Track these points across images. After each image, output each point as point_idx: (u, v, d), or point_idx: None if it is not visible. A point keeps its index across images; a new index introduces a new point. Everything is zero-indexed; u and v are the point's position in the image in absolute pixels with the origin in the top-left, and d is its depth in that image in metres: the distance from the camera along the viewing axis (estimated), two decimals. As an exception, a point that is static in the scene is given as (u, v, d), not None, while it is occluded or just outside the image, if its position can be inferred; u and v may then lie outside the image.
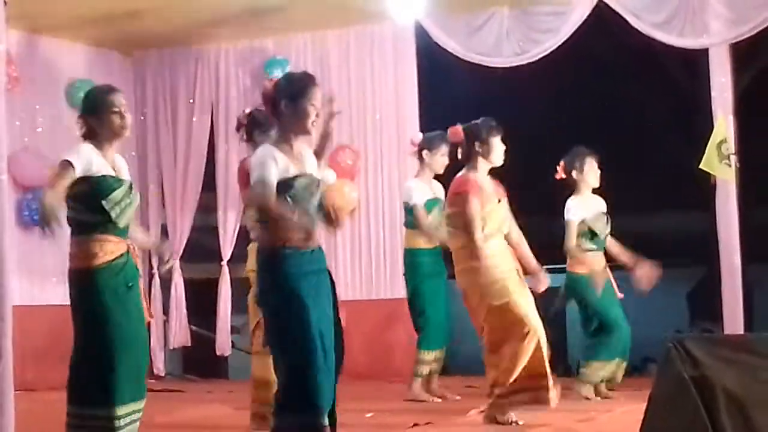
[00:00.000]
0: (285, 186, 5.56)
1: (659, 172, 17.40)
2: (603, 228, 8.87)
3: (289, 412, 5.55)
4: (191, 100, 12.13)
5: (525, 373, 7.07)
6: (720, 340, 4.60)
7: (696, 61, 12.09)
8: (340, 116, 11.46)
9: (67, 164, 5.86)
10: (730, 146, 9.29)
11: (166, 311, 12.17)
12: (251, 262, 7.44)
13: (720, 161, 9.13)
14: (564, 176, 8.87)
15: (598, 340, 8.93)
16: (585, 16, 10.12)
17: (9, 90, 10.65)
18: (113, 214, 5.92)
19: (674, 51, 10.83)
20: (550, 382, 7.14)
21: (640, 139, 17.42)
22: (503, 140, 7.28)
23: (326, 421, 5.62)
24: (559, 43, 10.28)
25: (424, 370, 8.92)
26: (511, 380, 7.07)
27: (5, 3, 5.87)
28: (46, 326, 10.66)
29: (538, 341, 7.07)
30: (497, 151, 7.24)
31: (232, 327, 12.00)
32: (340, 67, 11.63)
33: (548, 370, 7.14)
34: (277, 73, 11.52)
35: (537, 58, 10.43)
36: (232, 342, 11.93)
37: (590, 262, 8.84)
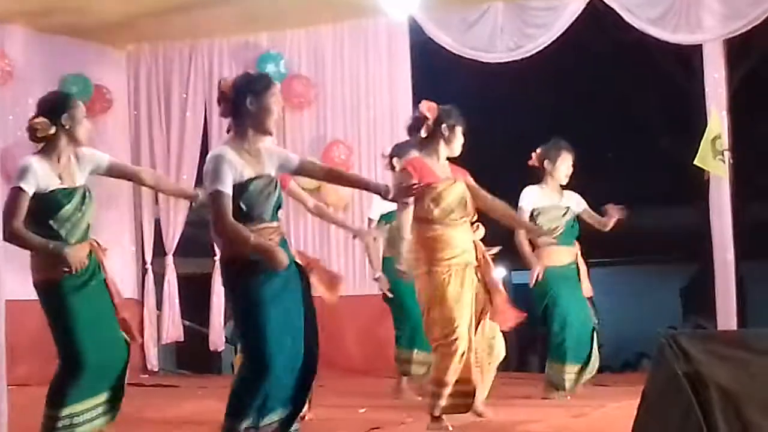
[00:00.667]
0: (240, 189, 5.52)
1: (652, 167, 17.44)
2: (552, 221, 8.56)
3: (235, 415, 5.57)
4: (184, 95, 12.11)
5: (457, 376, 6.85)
6: (713, 336, 4.60)
7: (690, 56, 12.13)
8: (333, 111, 11.63)
9: (18, 191, 5.92)
10: (724, 142, 9.30)
11: (159, 306, 12.17)
12: None
13: (714, 157, 9.14)
14: (536, 164, 8.75)
15: (554, 341, 8.67)
16: (579, 12, 10.12)
17: (1, 85, 10.68)
18: (63, 233, 6.00)
19: (668, 47, 10.84)
20: (477, 388, 6.94)
21: (634, 134, 17.46)
22: (463, 134, 7.13)
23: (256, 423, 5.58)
24: (553, 39, 10.28)
25: (419, 370, 8.89)
26: (445, 381, 6.83)
27: (-2, -2, 5.86)
28: (39, 321, 10.59)
29: (467, 346, 6.84)
30: (459, 141, 7.08)
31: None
32: (333, 62, 11.63)
33: (473, 377, 6.90)
34: (271, 68, 11.53)
35: (531, 53, 10.43)
36: (225, 337, 11.94)
37: (546, 257, 8.68)
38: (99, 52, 12.05)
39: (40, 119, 6.05)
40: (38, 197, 5.93)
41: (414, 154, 7.49)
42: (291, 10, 11.06)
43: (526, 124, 15.58)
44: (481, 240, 7.16)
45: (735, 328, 9.29)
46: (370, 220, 9.08)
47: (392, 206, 8.45)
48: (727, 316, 9.48)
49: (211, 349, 11.88)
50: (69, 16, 10.97)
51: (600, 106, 17.14)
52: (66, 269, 5.93)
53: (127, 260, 12.10)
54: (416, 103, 11.01)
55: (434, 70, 12.30)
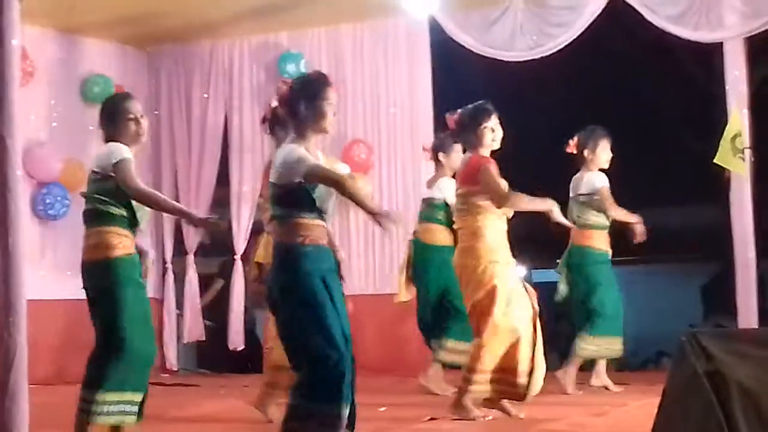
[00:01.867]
0: (313, 185, 5.65)
1: (673, 166, 17.40)
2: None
3: (316, 403, 5.61)
4: (205, 95, 12.14)
5: (497, 366, 7.13)
6: (734, 335, 4.59)
7: (710, 54, 12.08)
8: (354, 110, 11.65)
9: (130, 160, 6.31)
10: (745, 140, 9.27)
11: (179, 306, 12.20)
12: (260, 254, 7.59)
13: (734, 155, 9.12)
14: (575, 152, 8.96)
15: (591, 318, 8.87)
16: (599, 10, 10.09)
17: (23, 85, 10.73)
18: (139, 216, 6.30)
19: (689, 45, 10.81)
20: (522, 379, 7.14)
21: (654, 133, 17.42)
22: (500, 123, 7.33)
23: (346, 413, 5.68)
24: (574, 37, 10.26)
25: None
26: (480, 371, 7.10)
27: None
28: (61, 320, 10.69)
29: (517, 338, 7.10)
30: (486, 138, 7.28)
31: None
32: (354, 62, 11.63)
33: (521, 366, 7.14)
34: (291, 68, 11.55)
35: (551, 52, 10.41)
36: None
37: (596, 238, 8.92)
38: (120, 52, 12.10)
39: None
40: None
41: (458, 148, 7.97)
42: (311, 9, 11.07)
43: (545, 124, 15.56)
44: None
45: (756, 326, 9.27)
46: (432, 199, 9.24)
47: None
48: (748, 315, 9.46)
49: (231, 348, 11.89)
50: (90, 16, 11.02)
51: (620, 105, 17.10)
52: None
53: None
54: (436, 102, 11.13)
55: (454, 69, 12.29)
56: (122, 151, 6.30)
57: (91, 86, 11.53)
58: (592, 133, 8.95)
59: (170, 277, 12.16)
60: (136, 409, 6.30)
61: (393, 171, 11.41)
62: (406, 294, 9.52)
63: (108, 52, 11.95)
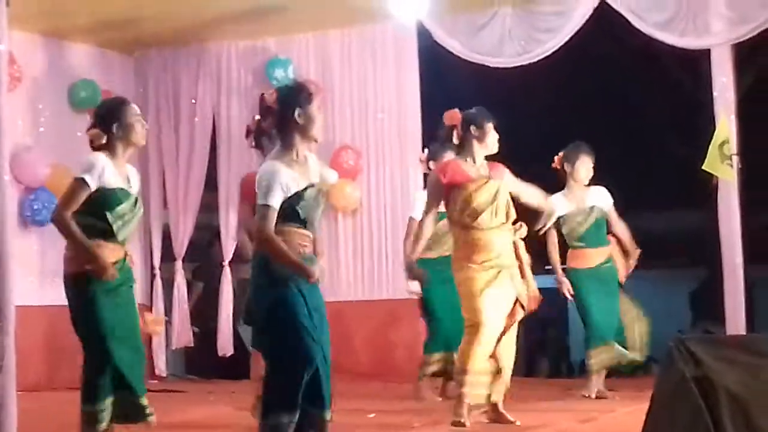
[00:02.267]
0: (296, 199, 5.64)
1: (661, 172, 17.44)
2: (579, 226, 9.00)
3: (284, 411, 5.58)
4: (193, 100, 12.12)
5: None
6: (722, 341, 4.59)
7: (698, 61, 12.11)
8: (342, 116, 11.64)
9: (82, 183, 6.09)
10: (732, 147, 9.29)
11: (168, 312, 12.18)
12: None
13: (722, 162, 9.13)
14: (558, 167, 9.08)
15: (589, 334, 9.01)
16: (587, 16, 10.11)
17: (10, 90, 10.70)
18: (115, 227, 6.19)
19: (676, 51, 10.83)
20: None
21: (642, 139, 17.46)
22: (496, 130, 7.37)
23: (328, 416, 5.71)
24: (561, 43, 10.27)
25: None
26: (466, 369, 7.09)
27: (8, 4, 5.87)
28: (48, 326, 10.66)
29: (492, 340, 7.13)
30: (492, 137, 7.34)
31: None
32: (341, 67, 11.63)
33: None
34: (279, 73, 11.54)
35: (539, 58, 10.43)
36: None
37: (574, 259, 9.06)
38: (108, 57, 12.08)
39: (94, 130, 6.27)
40: (102, 191, 6.13)
41: (450, 156, 7.77)
42: (299, 15, 11.06)
43: (533, 129, 15.59)
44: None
45: (744, 332, 9.28)
46: (411, 219, 9.03)
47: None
48: (736, 321, 9.47)
49: (220, 354, 11.88)
50: (77, 21, 11.00)
51: (608, 111, 17.13)
52: (91, 269, 6.01)
53: (135, 265, 12.09)
54: (424, 107, 11.13)
55: (442, 74, 12.30)
56: (99, 160, 6.18)
57: (78, 91, 11.50)
58: (574, 149, 9.05)
59: (158, 283, 12.13)
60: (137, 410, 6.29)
61: (381, 176, 11.41)
62: None
63: (95, 57, 11.92)
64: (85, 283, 6.12)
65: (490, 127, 7.32)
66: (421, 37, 11.10)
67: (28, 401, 6.34)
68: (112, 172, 6.19)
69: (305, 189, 5.67)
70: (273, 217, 5.58)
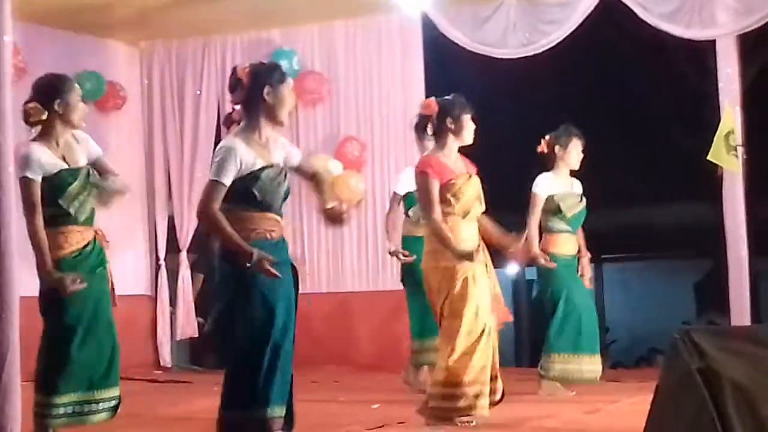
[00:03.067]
0: (252, 178, 5.55)
1: (666, 163, 17.41)
2: (572, 207, 8.68)
3: (236, 407, 5.55)
4: (198, 92, 12.13)
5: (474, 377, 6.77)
6: (727, 332, 4.58)
7: (703, 52, 12.07)
8: (346, 107, 11.64)
9: (27, 181, 6.06)
10: (737, 138, 9.28)
11: (172, 303, 12.19)
12: None
13: (727, 153, 9.13)
14: (545, 151, 8.72)
15: (560, 330, 8.58)
16: (592, 8, 10.10)
17: (15, 81, 10.69)
18: (72, 210, 6.13)
19: (681, 42, 10.81)
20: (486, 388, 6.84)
21: (647, 130, 17.42)
22: (473, 119, 7.08)
23: (275, 414, 5.57)
24: (566, 35, 10.26)
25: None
26: (459, 381, 6.73)
27: (12, -6, 5.86)
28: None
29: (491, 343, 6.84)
30: (468, 129, 7.04)
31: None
32: (347, 58, 11.64)
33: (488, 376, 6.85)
34: (284, 64, 11.52)
35: (544, 49, 10.42)
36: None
37: (561, 244, 8.69)
38: (112, 48, 12.08)
39: (33, 104, 6.19)
40: (46, 180, 6.06)
41: (429, 146, 7.44)
42: (304, 6, 11.07)
43: (538, 120, 15.55)
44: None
45: (748, 323, 9.28)
46: (395, 194, 9.00)
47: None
48: (740, 312, 9.47)
49: (225, 345, 11.87)
50: (82, 12, 10.99)
51: (613, 102, 17.11)
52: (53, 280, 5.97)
53: (140, 256, 12.13)
54: (429, 98, 11.10)
55: (447, 65, 12.29)
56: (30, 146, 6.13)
57: (82, 83, 11.46)
58: (564, 132, 8.73)
59: (163, 273, 12.15)
60: (100, 406, 6.26)
61: (386, 168, 11.41)
62: None
63: (100, 48, 11.93)
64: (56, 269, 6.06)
65: (467, 119, 7.01)
66: (426, 29, 11.10)
67: (31, 392, 6.34)
68: (48, 158, 6.10)
69: (261, 169, 5.56)
70: (220, 194, 5.47)
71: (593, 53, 15.42)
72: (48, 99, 6.18)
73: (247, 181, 5.53)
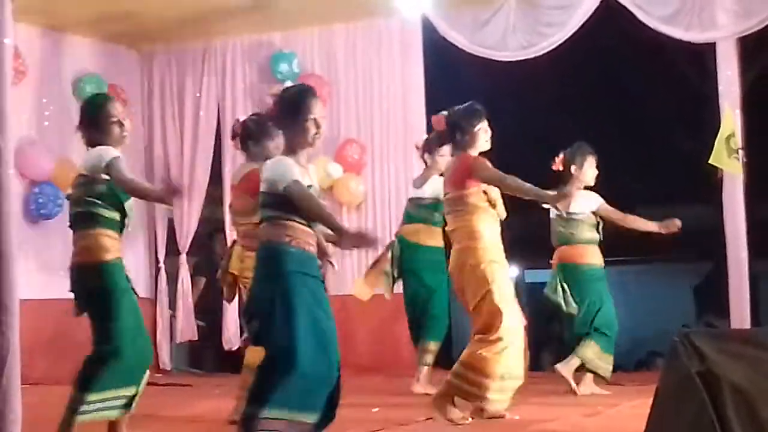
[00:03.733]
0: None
1: (666, 166, 17.43)
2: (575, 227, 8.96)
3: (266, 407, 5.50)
4: (198, 95, 12.13)
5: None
6: (726, 335, 4.59)
7: (703, 54, 12.08)
8: (346, 110, 11.64)
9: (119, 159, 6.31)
10: (738, 140, 9.28)
11: (172, 306, 12.19)
12: (234, 265, 7.51)
13: (729, 156, 9.12)
14: (561, 169, 8.90)
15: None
16: (592, 10, 10.10)
17: (15, 83, 10.71)
18: (127, 220, 6.37)
19: (681, 45, 10.81)
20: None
21: (647, 132, 17.43)
22: (489, 124, 7.25)
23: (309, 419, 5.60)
24: (566, 37, 10.26)
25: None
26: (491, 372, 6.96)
27: (12, -3, 5.87)
28: (53, 320, 10.66)
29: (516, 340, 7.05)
30: (480, 140, 7.20)
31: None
32: (346, 61, 11.64)
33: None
34: (284, 67, 11.55)
35: (544, 51, 10.42)
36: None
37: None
38: (113, 51, 12.09)
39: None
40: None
41: (444, 150, 7.94)
42: (304, 9, 11.07)
43: (538, 123, 15.57)
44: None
45: (748, 326, 9.28)
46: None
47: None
48: (740, 315, 9.47)
49: (226, 348, 11.88)
50: (83, 15, 11.00)
51: (613, 105, 17.12)
52: None
53: (139, 259, 12.12)
54: (429, 101, 11.12)
55: (447, 68, 12.29)
56: (111, 151, 6.31)
57: (83, 85, 11.51)
58: (578, 150, 8.90)
59: (163, 276, 12.14)
60: (121, 402, 6.33)
61: (386, 170, 11.41)
62: (369, 292, 9.53)
63: (100, 50, 11.93)
64: (105, 271, 6.27)
65: (478, 128, 7.18)
66: (425, 31, 11.10)
67: (32, 395, 6.34)
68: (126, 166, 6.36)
69: (309, 186, 5.65)
70: (310, 192, 5.59)
71: (593, 56, 15.43)
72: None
73: None
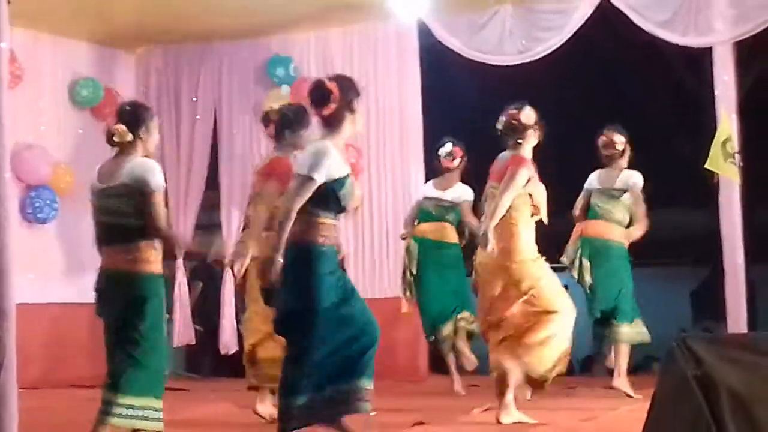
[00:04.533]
0: (341, 182, 5.79)
1: (662, 170, 17.42)
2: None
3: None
4: (194, 98, 12.12)
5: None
6: (724, 339, 4.59)
7: (699, 59, 12.10)
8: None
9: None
10: (735, 145, 9.28)
11: (169, 310, 12.16)
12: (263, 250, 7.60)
13: (725, 160, 9.11)
14: (620, 148, 9.62)
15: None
16: (588, 14, 10.10)
17: (11, 87, 10.70)
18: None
19: (678, 49, 10.82)
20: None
21: (643, 137, 17.41)
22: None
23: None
24: (563, 41, 10.27)
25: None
26: (547, 370, 7.19)
27: (9, 1, 5.88)
28: (49, 324, 10.67)
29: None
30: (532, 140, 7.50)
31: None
32: (343, 65, 11.61)
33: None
34: (281, 71, 11.55)
35: (540, 56, 10.42)
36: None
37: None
38: (109, 55, 12.08)
39: (121, 126, 6.39)
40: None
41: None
42: (300, 13, 11.07)
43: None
44: None
45: (745, 331, 9.28)
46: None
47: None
48: (737, 320, 9.46)
49: (222, 352, 11.87)
50: (79, 19, 11.00)
51: (609, 109, 17.11)
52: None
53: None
54: (425, 105, 11.13)
55: (443, 73, 12.29)
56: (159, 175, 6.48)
57: (79, 89, 11.51)
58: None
59: (160, 281, 12.13)
60: (159, 415, 6.35)
61: (382, 174, 11.40)
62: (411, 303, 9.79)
63: (97, 54, 11.92)
64: (153, 281, 6.43)
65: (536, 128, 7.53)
66: (422, 36, 11.10)
67: (29, 399, 6.34)
68: None
69: (346, 176, 5.81)
70: (308, 192, 5.70)
71: (589, 60, 15.44)
72: (133, 125, 6.50)
73: (335, 185, 5.77)
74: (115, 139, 6.33)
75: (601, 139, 9.38)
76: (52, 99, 11.42)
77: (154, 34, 11.74)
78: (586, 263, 9.04)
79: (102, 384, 6.23)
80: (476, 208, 9.05)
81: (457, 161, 9.62)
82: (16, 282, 5.36)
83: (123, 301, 6.21)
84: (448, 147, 9.70)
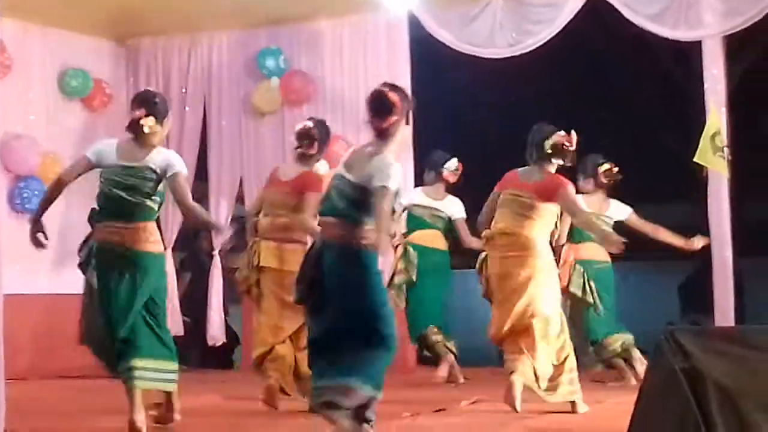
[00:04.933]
0: (397, 194, 6.07)
1: (651, 163, 17.45)
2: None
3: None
4: (184, 90, 12.09)
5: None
6: (711, 333, 4.60)
7: (689, 53, 12.11)
8: (333, 107, 11.62)
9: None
10: (724, 138, 9.29)
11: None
12: (269, 259, 7.63)
13: (714, 154, 9.13)
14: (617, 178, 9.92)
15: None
16: (578, 8, 10.10)
17: (0, 78, 10.69)
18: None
19: (667, 43, 10.83)
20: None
21: (633, 130, 17.45)
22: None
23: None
24: (553, 35, 10.27)
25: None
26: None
27: (-2, -9, 5.87)
28: (38, 315, 10.65)
29: None
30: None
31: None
32: (333, 58, 11.60)
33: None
34: (271, 63, 11.52)
35: (530, 49, 10.42)
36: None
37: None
38: (98, 46, 12.04)
39: (150, 119, 6.76)
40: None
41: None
42: (290, 5, 11.05)
43: (524, 120, 15.56)
44: None
45: (732, 324, 9.29)
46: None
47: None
48: (725, 313, 9.48)
49: (210, 344, 11.86)
50: (69, 9, 10.97)
51: (599, 102, 17.14)
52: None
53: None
54: (416, 98, 11.08)
55: (434, 65, 12.28)
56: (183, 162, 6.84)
57: (69, 80, 11.48)
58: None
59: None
60: (175, 376, 6.89)
61: (372, 167, 11.38)
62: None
63: (86, 45, 11.88)
64: (162, 259, 7.07)
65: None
66: (412, 28, 11.08)
67: (16, 390, 6.33)
68: None
69: (398, 189, 6.09)
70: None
71: (580, 53, 15.46)
72: (160, 115, 6.82)
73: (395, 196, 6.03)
74: (146, 131, 6.70)
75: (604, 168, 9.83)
76: (41, 89, 11.38)
77: (144, 25, 11.71)
78: (592, 287, 9.34)
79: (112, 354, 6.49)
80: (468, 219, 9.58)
81: (457, 176, 9.97)
82: (4, 273, 5.35)
83: (134, 275, 6.56)
84: (454, 162, 9.97)
